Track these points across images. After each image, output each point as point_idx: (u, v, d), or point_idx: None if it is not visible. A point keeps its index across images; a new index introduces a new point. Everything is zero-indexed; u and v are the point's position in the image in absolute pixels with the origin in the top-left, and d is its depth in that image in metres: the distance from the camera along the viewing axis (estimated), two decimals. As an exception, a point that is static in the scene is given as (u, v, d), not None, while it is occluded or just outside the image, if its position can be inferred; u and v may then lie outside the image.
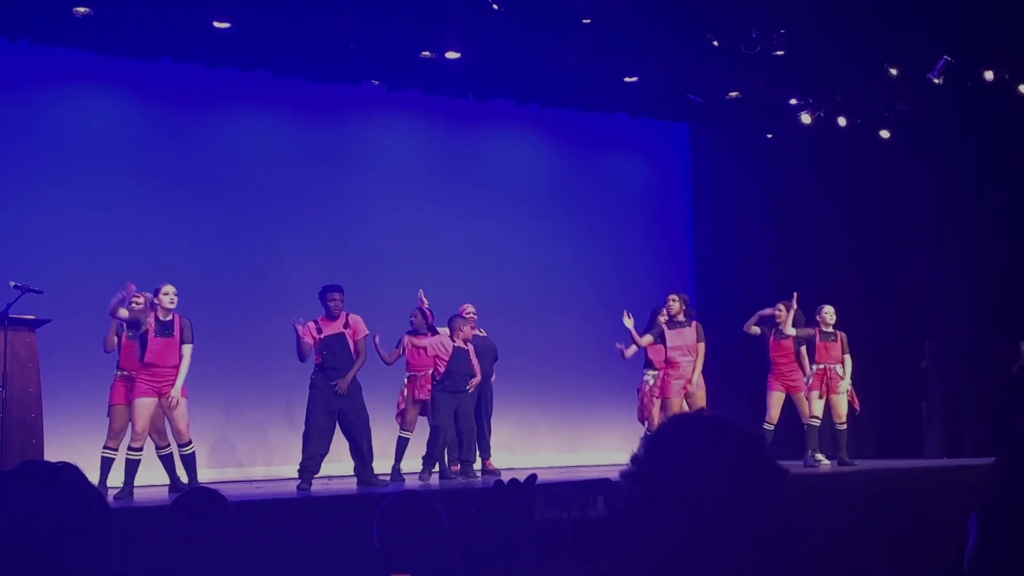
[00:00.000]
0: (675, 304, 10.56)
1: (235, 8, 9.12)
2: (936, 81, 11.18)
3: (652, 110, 12.39)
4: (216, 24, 9.16)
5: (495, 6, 9.52)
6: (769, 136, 12.91)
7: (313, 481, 8.98)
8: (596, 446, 12.46)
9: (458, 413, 9.73)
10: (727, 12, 10.31)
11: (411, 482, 9.46)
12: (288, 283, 10.97)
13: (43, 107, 10.43)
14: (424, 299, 10.20)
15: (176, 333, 8.59)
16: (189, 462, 8.61)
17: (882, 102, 11.57)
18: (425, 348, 9.87)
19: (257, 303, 10.96)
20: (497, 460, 10.54)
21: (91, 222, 10.43)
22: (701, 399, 10.52)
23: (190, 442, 8.64)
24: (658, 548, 1.52)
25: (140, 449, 8.49)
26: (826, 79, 11.30)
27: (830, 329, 10.66)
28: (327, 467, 9.38)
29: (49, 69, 10.33)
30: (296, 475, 9.09)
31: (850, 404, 10.73)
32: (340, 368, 9.15)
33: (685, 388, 10.44)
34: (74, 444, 9.00)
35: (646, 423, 10.35)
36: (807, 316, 10.82)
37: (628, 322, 10.62)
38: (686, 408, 10.24)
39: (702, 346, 10.53)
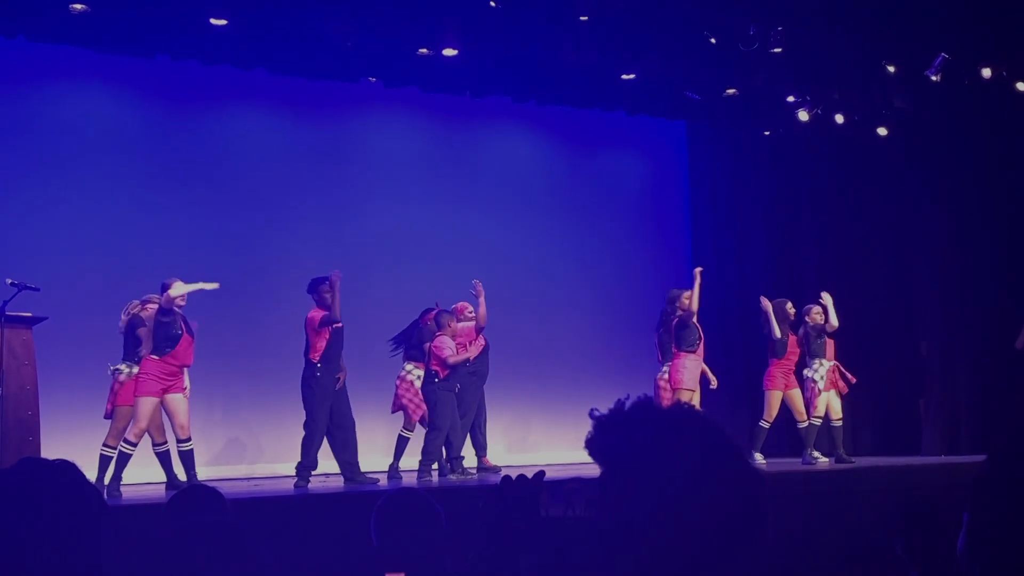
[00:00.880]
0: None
1: (232, 5, 9.11)
2: (934, 78, 11.18)
3: (650, 107, 12.38)
4: (213, 21, 9.16)
5: (492, 3, 9.51)
6: (767, 133, 12.91)
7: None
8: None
9: (456, 411, 9.75)
10: (725, 9, 10.31)
11: (408, 480, 9.46)
12: (285, 280, 10.95)
13: (40, 104, 10.41)
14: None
15: (194, 333, 8.77)
16: (187, 459, 8.62)
17: (880, 99, 11.58)
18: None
19: (253, 300, 10.95)
20: (493, 458, 10.53)
21: (87, 219, 10.42)
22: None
23: (189, 439, 8.66)
24: (632, 547, 1.50)
25: (136, 445, 8.54)
26: (824, 76, 11.31)
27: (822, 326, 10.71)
28: (325, 465, 9.39)
29: (46, 66, 10.31)
30: (293, 472, 9.09)
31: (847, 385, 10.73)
32: (338, 362, 9.16)
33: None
34: (71, 441, 8.98)
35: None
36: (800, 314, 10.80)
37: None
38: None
39: None
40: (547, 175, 12.95)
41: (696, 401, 10.21)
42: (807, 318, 10.67)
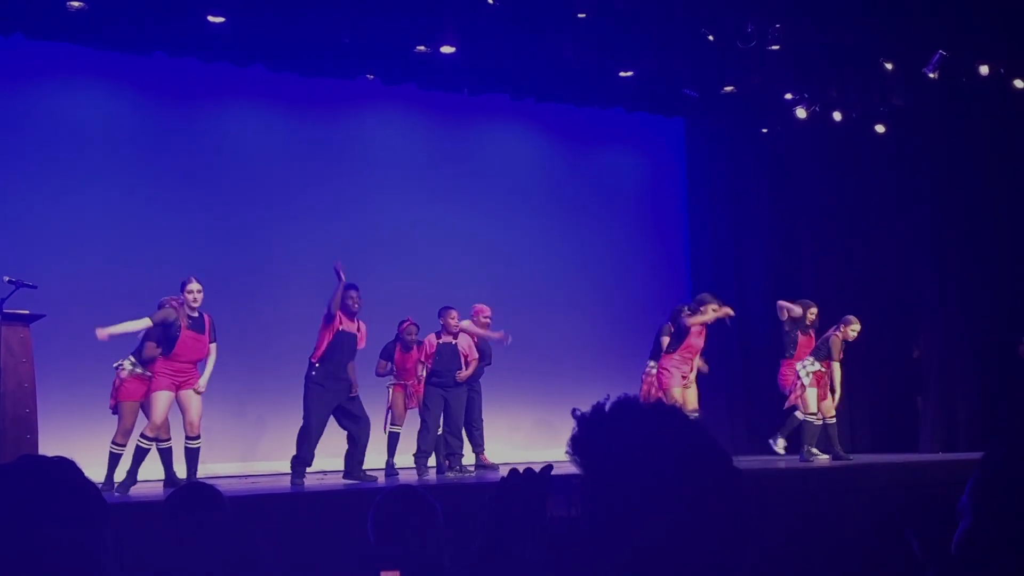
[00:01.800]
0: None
1: (229, 2, 9.10)
2: (931, 76, 11.19)
3: (648, 105, 12.38)
4: (211, 19, 9.15)
5: (490, 0, 9.51)
6: (765, 131, 12.91)
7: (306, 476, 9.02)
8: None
9: (447, 408, 9.76)
10: (722, 6, 10.30)
11: (405, 477, 9.46)
12: (282, 277, 10.96)
13: (37, 101, 10.40)
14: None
15: (206, 330, 8.74)
16: (193, 456, 8.67)
17: (877, 97, 11.57)
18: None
19: (251, 297, 10.95)
20: (490, 456, 10.52)
21: (85, 217, 10.41)
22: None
23: (198, 436, 8.72)
24: (613, 547, 1.50)
25: (154, 440, 8.61)
26: (822, 74, 11.30)
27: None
28: (322, 462, 9.38)
29: (43, 63, 10.30)
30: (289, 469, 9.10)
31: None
32: (343, 365, 9.13)
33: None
34: (69, 439, 8.97)
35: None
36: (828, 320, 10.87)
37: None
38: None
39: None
40: (545, 172, 12.94)
41: (685, 396, 10.28)
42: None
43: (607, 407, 1.57)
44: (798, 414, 10.60)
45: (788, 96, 11.75)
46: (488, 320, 10.31)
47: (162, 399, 8.54)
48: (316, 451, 9.17)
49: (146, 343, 8.81)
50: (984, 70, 11.33)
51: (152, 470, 9.02)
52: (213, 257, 10.82)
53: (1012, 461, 2.08)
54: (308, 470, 9.10)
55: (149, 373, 8.69)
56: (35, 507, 1.83)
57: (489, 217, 12.41)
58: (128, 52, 10.19)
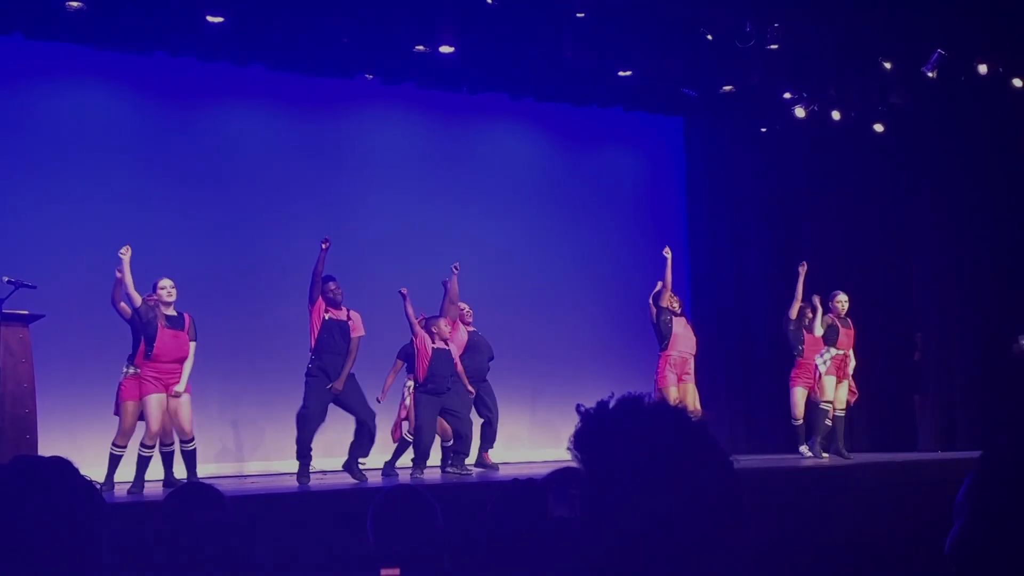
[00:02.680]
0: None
1: (229, 2, 9.11)
2: (930, 75, 11.19)
3: (646, 104, 12.39)
4: (210, 18, 9.15)
5: (489, 0, 9.51)
6: (763, 130, 12.91)
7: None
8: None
9: (445, 413, 9.70)
10: (721, 6, 10.32)
11: (404, 477, 9.45)
12: (282, 276, 10.94)
13: (36, 101, 10.39)
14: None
15: (186, 328, 8.67)
16: (190, 458, 8.62)
17: (876, 96, 11.59)
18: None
19: (250, 296, 10.94)
20: (491, 456, 10.52)
21: (85, 216, 10.40)
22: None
23: (193, 438, 8.66)
24: (612, 543, 1.51)
25: (154, 447, 8.54)
26: (820, 73, 11.31)
27: (845, 315, 10.81)
28: (321, 462, 9.38)
29: (42, 63, 10.30)
30: (293, 468, 9.08)
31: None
32: (338, 355, 9.12)
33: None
34: (68, 439, 8.99)
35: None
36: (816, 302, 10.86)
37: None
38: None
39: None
40: (544, 171, 12.94)
41: (684, 394, 10.27)
42: (832, 304, 10.82)
43: (611, 404, 1.57)
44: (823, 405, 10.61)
45: (787, 95, 11.75)
46: (469, 313, 10.37)
47: (152, 404, 8.44)
48: (315, 451, 9.15)
49: (137, 347, 8.79)
50: (983, 69, 11.34)
51: (152, 470, 9.01)
52: (213, 256, 10.83)
53: (1009, 459, 2.08)
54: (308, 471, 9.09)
55: (138, 371, 8.65)
56: (32, 507, 1.84)
57: (488, 216, 12.40)
58: (128, 52, 10.19)
